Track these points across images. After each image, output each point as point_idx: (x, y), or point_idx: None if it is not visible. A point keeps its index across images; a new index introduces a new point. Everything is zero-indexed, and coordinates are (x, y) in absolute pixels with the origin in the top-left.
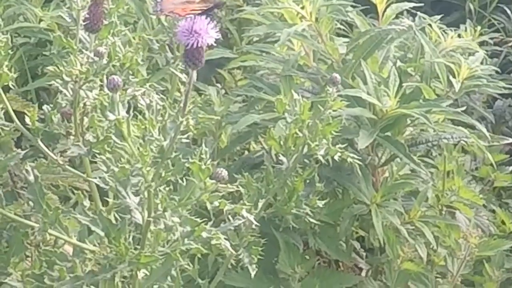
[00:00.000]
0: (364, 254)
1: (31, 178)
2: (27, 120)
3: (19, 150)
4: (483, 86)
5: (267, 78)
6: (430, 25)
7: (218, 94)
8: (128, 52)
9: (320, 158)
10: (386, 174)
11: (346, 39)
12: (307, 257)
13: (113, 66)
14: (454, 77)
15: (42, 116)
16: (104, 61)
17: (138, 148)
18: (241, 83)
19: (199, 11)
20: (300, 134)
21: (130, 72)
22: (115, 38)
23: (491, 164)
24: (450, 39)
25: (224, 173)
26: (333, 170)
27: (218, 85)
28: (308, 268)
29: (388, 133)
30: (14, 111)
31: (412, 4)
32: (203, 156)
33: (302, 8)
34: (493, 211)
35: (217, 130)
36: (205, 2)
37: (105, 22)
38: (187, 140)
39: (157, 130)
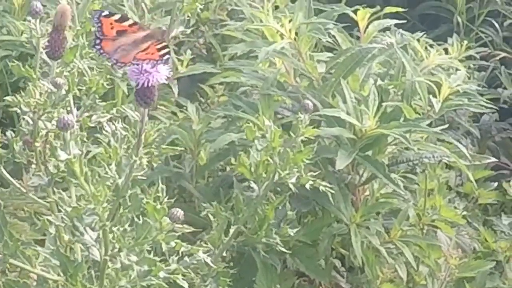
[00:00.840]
0: (345, 273)
1: None
2: None
3: None
4: (465, 105)
5: (250, 94)
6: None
7: (197, 111)
8: (95, 76)
9: (291, 186)
10: (367, 193)
11: (331, 54)
12: (286, 277)
13: (79, 90)
14: (435, 96)
15: (6, 142)
16: (63, 92)
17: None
18: (223, 99)
19: (159, 58)
20: (271, 161)
21: (97, 96)
22: (82, 61)
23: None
24: (433, 56)
25: (180, 213)
26: (312, 190)
27: (201, 99)
28: None
29: (368, 152)
30: None
31: (394, 21)
32: (159, 194)
33: (282, 26)
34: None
35: (196, 148)
36: (143, 30)
37: (72, 44)
38: (143, 178)
39: (114, 166)
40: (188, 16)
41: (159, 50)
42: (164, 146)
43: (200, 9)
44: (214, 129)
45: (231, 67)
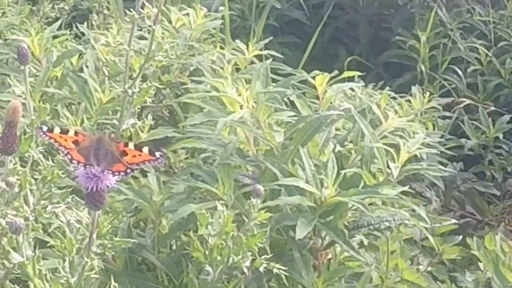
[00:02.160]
0: None
1: None
2: None
3: None
4: (423, 170)
5: (213, 157)
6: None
7: (157, 182)
8: (49, 166)
9: (245, 270)
10: (330, 256)
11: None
12: None
13: (35, 179)
14: (393, 160)
15: None
16: (16, 190)
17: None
18: (186, 162)
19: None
20: (225, 245)
21: (52, 185)
22: (36, 150)
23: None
24: (391, 119)
25: None
26: (274, 257)
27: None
28: None
29: (329, 219)
30: None
31: (353, 85)
32: None
33: (239, 95)
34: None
35: (157, 218)
36: (90, 137)
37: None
38: (96, 276)
39: (67, 264)
40: (138, 109)
41: (139, 150)
42: (117, 239)
43: (161, 71)
44: (176, 195)
45: (191, 135)
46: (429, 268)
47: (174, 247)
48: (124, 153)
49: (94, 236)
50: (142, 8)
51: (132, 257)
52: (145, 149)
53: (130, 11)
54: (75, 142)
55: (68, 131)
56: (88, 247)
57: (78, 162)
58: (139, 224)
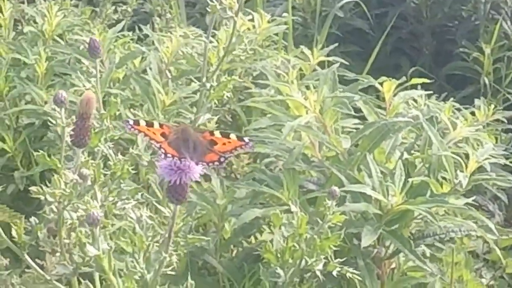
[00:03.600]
0: None
1: None
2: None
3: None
4: (492, 180)
5: (276, 163)
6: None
7: (221, 185)
8: (119, 161)
9: (318, 273)
10: (393, 266)
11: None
12: None
13: (104, 175)
14: (462, 170)
15: (30, 228)
16: (89, 183)
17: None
18: (248, 167)
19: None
20: (298, 248)
21: (121, 181)
22: (106, 145)
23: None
24: (459, 128)
25: None
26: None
27: (227, 167)
28: None
29: (394, 227)
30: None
31: (420, 92)
32: None
33: (306, 99)
34: None
35: (220, 222)
36: (174, 127)
37: (97, 128)
38: (172, 273)
39: (142, 259)
40: (215, 103)
41: (227, 137)
42: (190, 236)
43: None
44: (239, 200)
45: (256, 139)
46: (491, 282)
47: (235, 252)
48: (213, 142)
49: (173, 231)
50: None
51: (193, 261)
52: (233, 136)
53: (212, 1)
54: (163, 135)
55: (152, 124)
56: (166, 242)
57: (172, 156)
58: (198, 229)
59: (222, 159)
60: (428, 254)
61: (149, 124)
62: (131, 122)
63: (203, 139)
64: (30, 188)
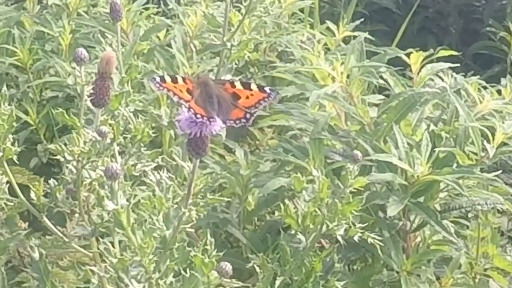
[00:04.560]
0: None
1: (35, 255)
2: (32, 195)
3: (23, 225)
4: None
5: (300, 137)
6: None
7: (245, 156)
8: (140, 124)
9: (339, 238)
10: (418, 239)
11: (382, 96)
12: None
13: (124, 138)
14: (488, 141)
15: (49, 190)
16: (108, 141)
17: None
18: (272, 141)
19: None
20: (319, 213)
21: (142, 144)
22: (127, 109)
23: None
24: (486, 101)
25: (228, 267)
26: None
27: (250, 141)
28: None
29: (420, 199)
30: (19, 184)
31: (448, 65)
32: (207, 247)
33: (333, 69)
34: None
35: (244, 193)
36: (196, 81)
37: (117, 92)
38: (191, 230)
39: (161, 217)
40: (236, 64)
41: (248, 88)
42: (210, 197)
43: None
44: (263, 173)
45: (280, 110)
46: None
47: (259, 225)
48: (236, 96)
49: (193, 186)
50: None
51: (216, 233)
52: (254, 86)
53: None
54: (188, 91)
55: (177, 79)
56: (186, 198)
57: (202, 116)
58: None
59: (248, 115)
60: (453, 231)
61: (174, 80)
62: (158, 79)
63: (226, 92)
64: (49, 146)
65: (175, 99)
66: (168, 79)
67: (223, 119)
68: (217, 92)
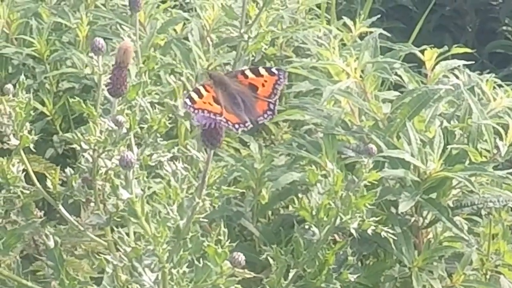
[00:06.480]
0: None
1: (50, 243)
2: (49, 183)
3: (38, 214)
4: None
5: (314, 132)
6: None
7: (260, 150)
8: (157, 115)
9: (353, 231)
10: (430, 236)
11: (397, 93)
12: None
13: (141, 128)
14: (501, 139)
15: (65, 179)
16: (124, 130)
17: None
18: (287, 136)
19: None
20: (333, 205)
21: (158, 135)
22: (144, 99)
23: None
24: (500, 98)
25: (241, 258)
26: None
27: (265, 135)
28: None
29: (432, 195)
30: (36, 172)
31: (462, 62)
32: (221, 237)
33: (347, 65)
34: None
35: (258, 187)
36: (211, 87)
37: (135, 82)
38: (205, 220)
39: (175, 207)
40: (252, 56)
41: (258, 74)
42: (225, 188)
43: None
44: (277, 167)
45: (295, 105)
46: None
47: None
48: (254, 87)
49: (207, 176)
50: None
51: (229, 225)
52: (262, 70)
53: None
54: (214, 100)
55: (199, 90)
56: (200, 188)
57: (239, 124)
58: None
59: (271, 106)
60: (465, 228)
61: (198, 92)
62: (189, 102)
63: (243, 85)
64: (64, 135)
65: (212, 117)
66: (195, 96)
67: (253, 117)
68: (236, 88)
